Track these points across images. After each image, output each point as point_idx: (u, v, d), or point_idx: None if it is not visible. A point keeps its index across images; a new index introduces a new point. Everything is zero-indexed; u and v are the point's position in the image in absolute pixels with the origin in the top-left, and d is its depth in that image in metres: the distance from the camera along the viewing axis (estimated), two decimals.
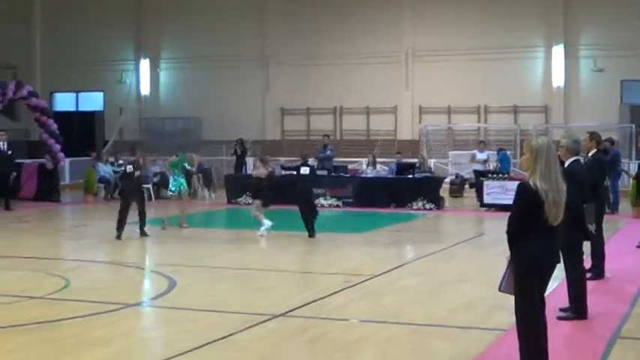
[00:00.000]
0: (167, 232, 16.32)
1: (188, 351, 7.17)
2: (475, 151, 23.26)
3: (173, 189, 17.12)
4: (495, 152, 24.04)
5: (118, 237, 15.18)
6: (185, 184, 17.31)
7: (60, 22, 34.63)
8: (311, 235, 15.23)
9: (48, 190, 23.87)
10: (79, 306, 9.06)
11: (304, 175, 15.95)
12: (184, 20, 33.32)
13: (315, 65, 31.47)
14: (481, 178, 21.25)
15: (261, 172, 15.72)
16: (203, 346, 7.34)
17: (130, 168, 15.95)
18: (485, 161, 22.96)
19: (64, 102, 35.99)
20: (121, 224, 15.31)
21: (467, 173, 25.88)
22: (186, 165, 17.50)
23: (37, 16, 35.51)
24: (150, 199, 23.52)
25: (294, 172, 16.51)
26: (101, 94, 35.28)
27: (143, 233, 15.64)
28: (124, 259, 13.06)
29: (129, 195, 15.81)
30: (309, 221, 15.31)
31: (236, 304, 9.30)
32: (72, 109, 35.86)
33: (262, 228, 15.34)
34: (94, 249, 14.63)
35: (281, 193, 16.12)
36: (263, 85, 32.63)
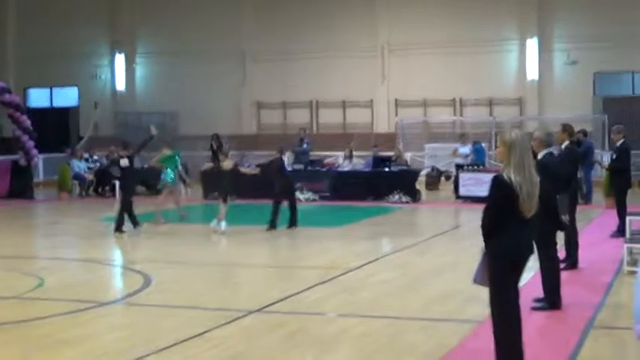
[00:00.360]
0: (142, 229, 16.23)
1: (163, 348, 7.11)
2: (457, 144, 23.21)
3: (169, 179, 17.13)
4: (471, 144, 24.12)
5: (119, 230, 15.29)
6: (175, 179, 17.33)
7: (33, 15, 34.25)
8: (273, 227, 15.32)
9: (21, 188, 23.60)
10: (53, 305, 8.98)
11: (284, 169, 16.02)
12: (160, 14, 33.09)
13: (291, 59, 31.41)
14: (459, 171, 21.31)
15: (226, 164, 15.70)
16: (178, 343, 7.28)
17: (125, 162, 15.88)
18: (467, 155, 22.90)
19: (38, 98, 35.64)
20: (122, 219, 15.36)
21: (442, 166, 25.95)
22: (177, 160, 17.62)
23: (10, 10, 35.10)
24: None
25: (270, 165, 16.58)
26: (75, 89, 34.98)
27: (136, 225, 15.55)
28: (99, 256, 12.95)
29: (129, 189, 16.06)
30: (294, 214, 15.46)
31: (212, 300, 9.26)
32: (46, 104, 35.51)
33: (214, 222, 15.27)
34: (68, 247, 14.51)
35: (257, 186, 16.13)
36: (239, 80, 32.52)
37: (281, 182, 15.84)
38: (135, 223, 15.53)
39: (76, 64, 33.86)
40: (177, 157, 17.78)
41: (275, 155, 16.24)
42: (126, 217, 15.51)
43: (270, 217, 15.38)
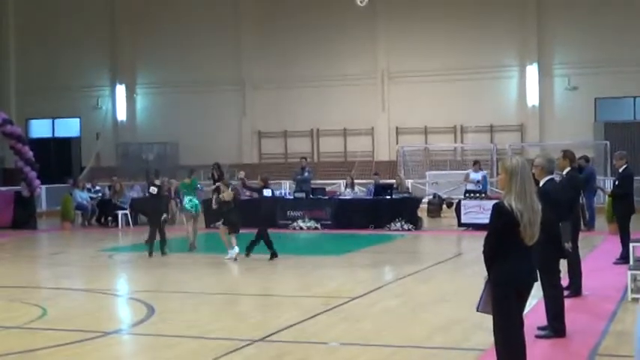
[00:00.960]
0: (143, 258, 16.24)
1: None
2: (469, 170, 23.08)
3: (188, 207, 17.42)
4: (482, 171, 24.01)
5: (150, 254, 16.12)
6: (199, 205, 17.56)
7: (34, 47, 34.53)
8: (274, 255, 15.30)
9: (24, 218, 23.68)
10: (56, 335, 8.96)
11: (267, 198, 16.00)
12: (160, 45, 33.35)
13: (291, 88, 31.63)
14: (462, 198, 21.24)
15: (227, 194, 15.80)
16: None
17: (154, 190, 16.70)
18: (478, 182, 22.75)
19: (39, 128, 35.83)
20: (152, 240, 16.27)
21: (444, 193, 25.97)
22: (199, 186, 17.98)
23: (11, 42, 35.38)
24: (127, 224, 23.45)
25: (256, 195, 16.63)
26: (77, 120, 35.17)
27: (164, 252, 16.28)
28: (102, 286, 12.94)
29: (156, 216, 16.56)
30: (269, 242, 15.41)
31: (215, 329, 9.25)
32: (48, 135, 35.69)
33: (230, 252, 15.36)
34: (71, 276, 14.51)
35: (244, 216, 16.16)
36: (240, 109, 32.71)
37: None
38: (161, 250, 16.21)
39: (77, 95, 34.12)
40: (196, 184, 18.07)
41: (259, 184, 16.20)
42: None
43: (249, 244, 15.41)
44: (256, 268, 14.71)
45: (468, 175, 22.55)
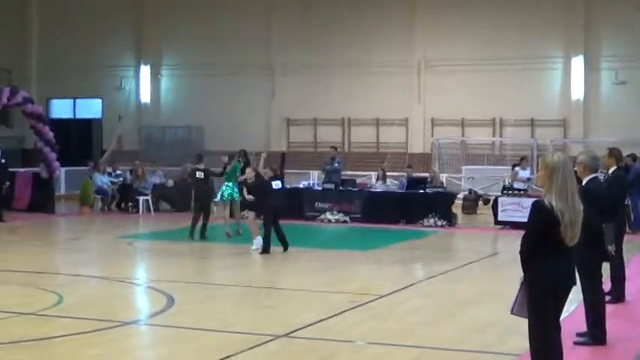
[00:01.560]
0: (164, 247, 16.34)
1: None
2: (517, 168, 22.84)
3: (226, 196, 17.61)
4: (510, 167, 23.92)
5: (192, 237, 16.97)
6: (238, 193, 17.61)
7: (57, 25, 34.81)
8: (285, 248, 15.22)
9: (42, 201, 23.86)
10: (73, 323, 9.05)
11: (276, 190, 15.58)
12: (187, 26, 33.47)
13: (323, 74, 31.56)
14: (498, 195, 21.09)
15: (248, 172, 16.02)
16: None
17: (201, 175, 17.58)
18: (528, 179, 22.47)
19: (60, 109, 36.17)
20: (195, 224, 17.14)
21: (481, 189, 25.84)
22: (238, 173, 17.96)
23: (34, 19, 35.72)
24: (149, 210, 23.60)
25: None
26: (99, 101, 35.46)
27: (203, 237, 17.02)
28: (120, 274, 13.05)
29: (207, 200, 17.72)
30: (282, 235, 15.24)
31: (236, 323, 9.29)
32: (69, 116, 36.01)
33: (255, 243, 15.37)
34: (89, 263, 14.65)
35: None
36: (268, 94, 32.74)
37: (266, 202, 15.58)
38: (201, 234, 17.00)
39: (100, 75, 34.34)
40: (237, 169, 18.06)
41: (268, 174, 15.81)
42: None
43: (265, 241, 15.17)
44: (281, 260, 14.75)
45: (516, 173, 22.19)
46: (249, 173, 16.07)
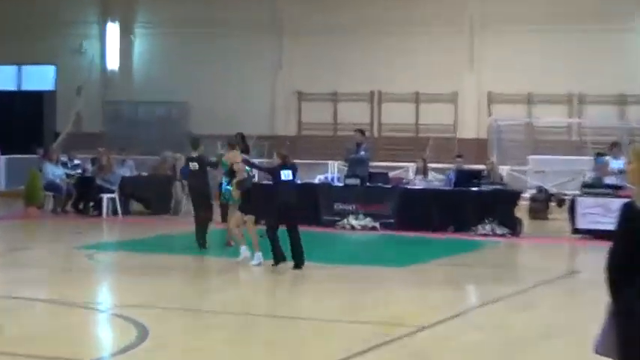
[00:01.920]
0: (136, 261, 16.37)
1: None
2: (608, 157, 22.60)
3: (227, 198, 17.32)
4: (593, 157, 23.75)
5: (202, 244, 17.28)
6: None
7: None
8: (297, 265, 15.09)
9: None
10: None
11: (286, 182, 15.62)
12: None
13: (345, 36, 31.55)
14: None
15: (237, 169, 16.09)
16: None
17: (195, 166, 17.84)
18: (621, 172, 22.23)
19: (1, 79, 36.29)
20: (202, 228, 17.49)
21: (554, 186, 25.75)
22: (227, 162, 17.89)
23: None
24: (115, 213, 23.57)
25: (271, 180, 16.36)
26: (52, 68, 35.57)
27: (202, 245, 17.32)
28: (77, 297, 13.04)
29: (202, 195, 17.92)
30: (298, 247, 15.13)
31: None
32: (12, 88, 36.15)
33: (256, 256, 15.36)
34: (35, 282, 14.64)
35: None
36: (274, 62, 32.81)
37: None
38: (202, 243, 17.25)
39: (53, 36, 34.41)
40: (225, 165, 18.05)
41: (275, 161, 15.79)
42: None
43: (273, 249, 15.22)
44: (290, 280, 14.75)
45: (607, 164, 21.88)
46: (237, 167, 16.04)
